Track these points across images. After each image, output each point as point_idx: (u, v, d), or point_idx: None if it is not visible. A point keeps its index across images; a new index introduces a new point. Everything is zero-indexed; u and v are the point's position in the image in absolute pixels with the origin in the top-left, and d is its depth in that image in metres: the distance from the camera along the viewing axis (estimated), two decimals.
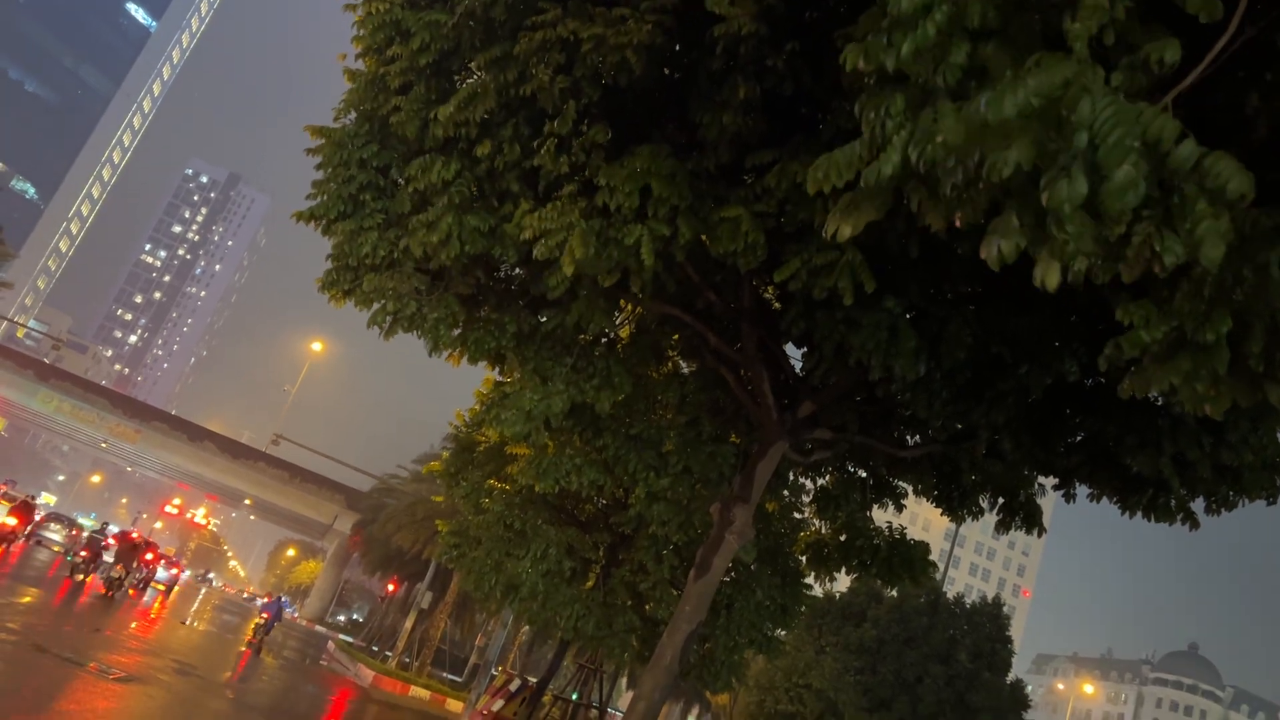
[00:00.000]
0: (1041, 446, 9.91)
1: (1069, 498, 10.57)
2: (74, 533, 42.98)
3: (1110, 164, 3.43)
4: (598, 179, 8.04)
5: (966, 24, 3.77)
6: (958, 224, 4.14)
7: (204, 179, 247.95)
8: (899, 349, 8.31)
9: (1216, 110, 5.08)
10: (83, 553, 31.39)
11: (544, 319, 11.02)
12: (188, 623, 33.55)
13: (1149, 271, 3.85)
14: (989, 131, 3.59)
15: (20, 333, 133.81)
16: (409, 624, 46.18)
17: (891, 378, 8.79)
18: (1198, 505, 9.33)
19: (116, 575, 30.65)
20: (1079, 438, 9.78)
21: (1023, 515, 11.77)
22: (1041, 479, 11.38)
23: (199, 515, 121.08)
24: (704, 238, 8.25)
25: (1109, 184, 3.46)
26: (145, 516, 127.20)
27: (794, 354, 11.38)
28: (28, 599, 21.54)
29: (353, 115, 9.94)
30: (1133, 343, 4.16)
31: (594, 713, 17.38)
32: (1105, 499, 9.91)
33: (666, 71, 8.66)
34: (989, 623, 40.62)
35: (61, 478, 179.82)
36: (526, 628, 48.00)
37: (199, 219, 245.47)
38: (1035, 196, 3.73)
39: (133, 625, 24.82)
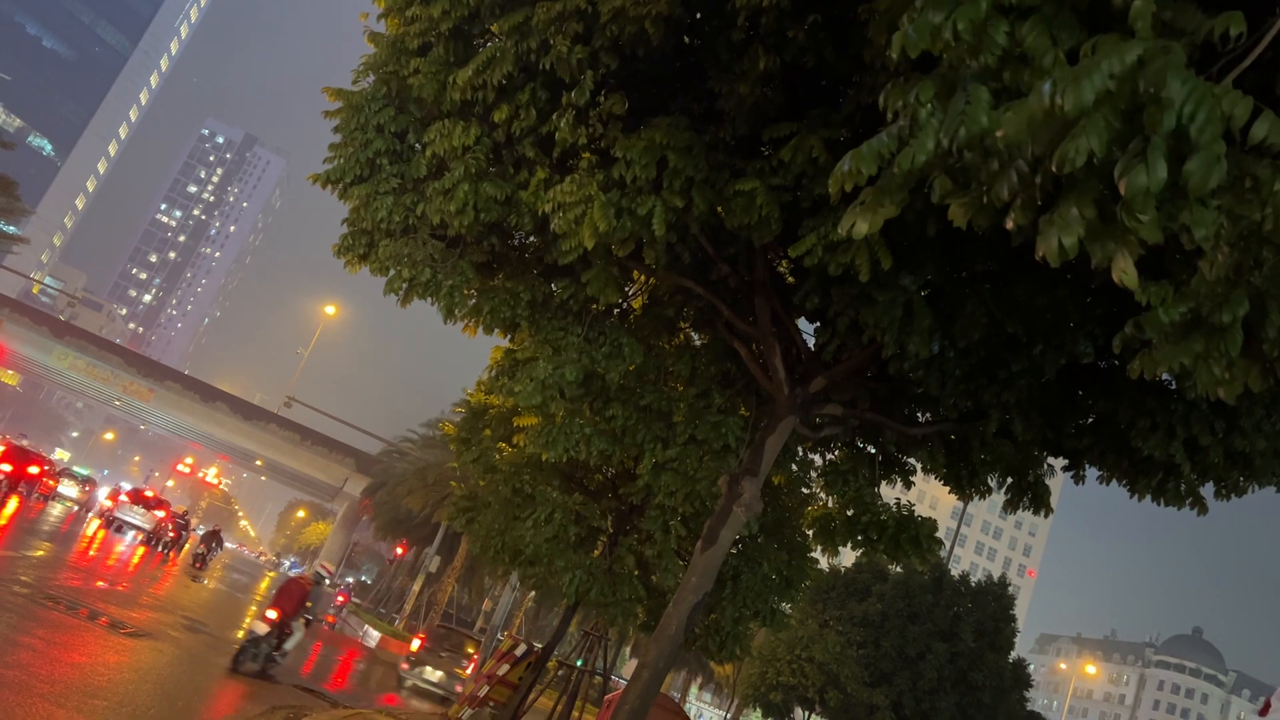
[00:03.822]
0: (1052, 427, 9.86)
1: (1078, 479, 10.54)
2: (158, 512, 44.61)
3: (1204, 142, 3.28)
4: (614, 151, 8.01)
5: (1004, 0, 3.68)
6: (985, 202, 4.01)
7: (220, 139, 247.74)
8: (914, 327, 8.27)
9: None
10: (171, 533, 39.90)
11: (556, 288, 11.01)
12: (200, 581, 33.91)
13: (1166, 252, 3.80)
14: (1054, 121, 3.42)
15: (36, 289, 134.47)
16: (417, 587, 46.64)
17: (904, 355, 8.76)
18: (1207, 490, 9.29)
19: (200, 552, 38.72)
20: (1090, 419, 9.73)
21: (1031, 495, 11.74)
22: (1051, 460, 11.34)
23: (210, 475, 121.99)
24: (719, 210, 8.22)
25: (1191, 164, 3.32)
26: (157, 474, 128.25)
27: (807, 329, 11.34)
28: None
29: (371, 78, 9.89)
30: (1151, 323, 4.11)
31: (598, 680, 17.53)
32: (1114, 481, 9.87)
33: (685, 40, 8.59)
34: (993, 601, 40.73)
35: (75, 434, 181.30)
36: (533, 594, 48.33)
37: (214, 179, 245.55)
38: (1093, 185, 3.60)
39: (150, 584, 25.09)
